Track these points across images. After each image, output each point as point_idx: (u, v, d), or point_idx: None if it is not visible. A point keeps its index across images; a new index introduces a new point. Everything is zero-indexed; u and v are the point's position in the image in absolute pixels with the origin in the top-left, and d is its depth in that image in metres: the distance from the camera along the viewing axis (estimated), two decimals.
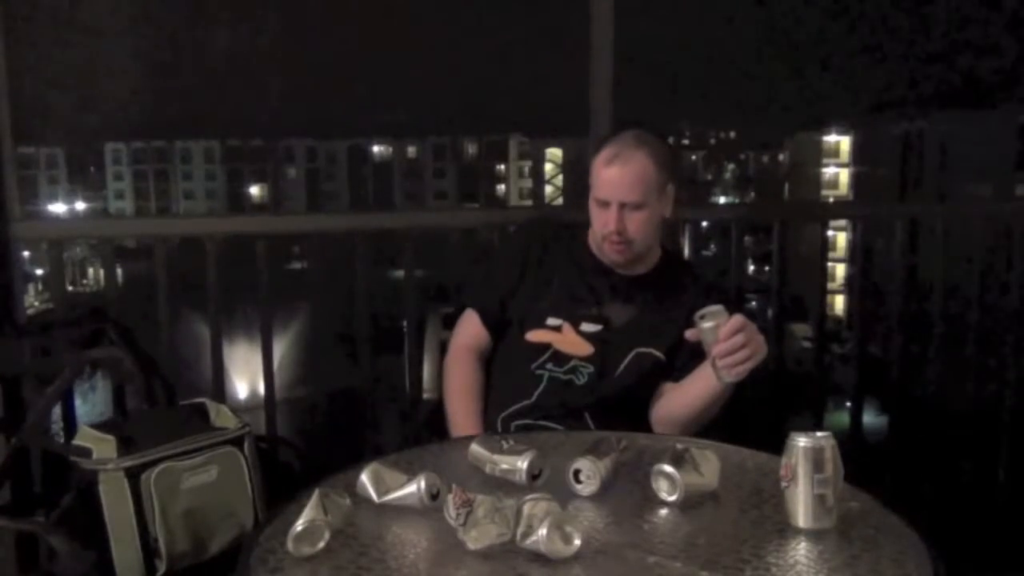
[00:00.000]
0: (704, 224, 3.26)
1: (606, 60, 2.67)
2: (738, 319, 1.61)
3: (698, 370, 1.79)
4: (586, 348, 1.93)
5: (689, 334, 1.66)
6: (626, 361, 1.93)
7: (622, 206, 1.89)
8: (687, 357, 1.87)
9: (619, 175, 1.90)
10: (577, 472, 1.40)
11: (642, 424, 1.92)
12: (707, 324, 1.61)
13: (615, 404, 1.91)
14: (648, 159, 1.91)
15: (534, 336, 1.96)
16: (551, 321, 1.95)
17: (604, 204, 1.91)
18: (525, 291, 2.02)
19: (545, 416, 1.91)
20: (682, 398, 1.87)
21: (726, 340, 1.60)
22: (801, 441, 1.29)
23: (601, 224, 1.92)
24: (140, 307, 2.98)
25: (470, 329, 2.07)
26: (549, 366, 1.93)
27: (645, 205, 1.90)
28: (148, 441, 1.81)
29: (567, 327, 1.94)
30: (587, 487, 1.39)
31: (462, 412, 1.98)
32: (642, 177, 1.90)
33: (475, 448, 1.48)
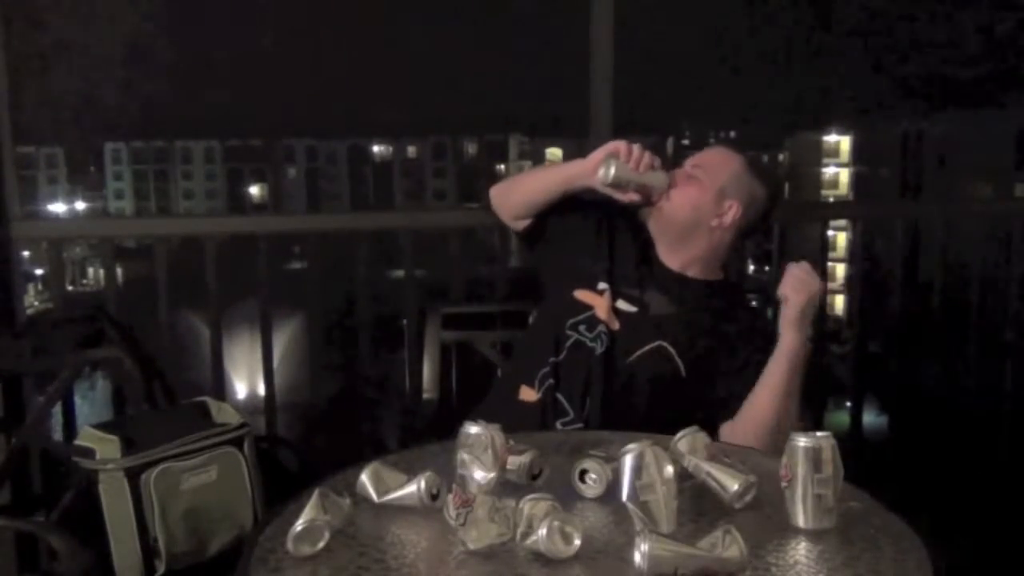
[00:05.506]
0: None
1: (606, 60, 2.67)
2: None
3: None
4: (614, 323, 1.92)
5: None
6: (645, 349, 1.89)
7: (688, 175, 1.94)
8: (736, 387, 1.84)
9: (710, 150, 2.01)
10: (584, 472, 1.39)
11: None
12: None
13: (620, 393, 1.89)
14: (742, 166, 1.97)
15: (582, 295, 1.95)
16: (600, 286, 1.94)
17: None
18: (589, 244, 2.00)
19: (565, 386, 1.89)
20: (761, 394, 1.81)
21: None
22: (801, 441, 1.29)
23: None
24: (140, 307, 2.98)
25: None
26: (582, 328, 1.92)
27: (701, 180, 1.93)
28: (151, 441, 1.80)
29: (608, 296, 1.93)
30: (592, 489, 1.38)
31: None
32: (723, 162, 1.96)
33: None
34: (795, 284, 1.78)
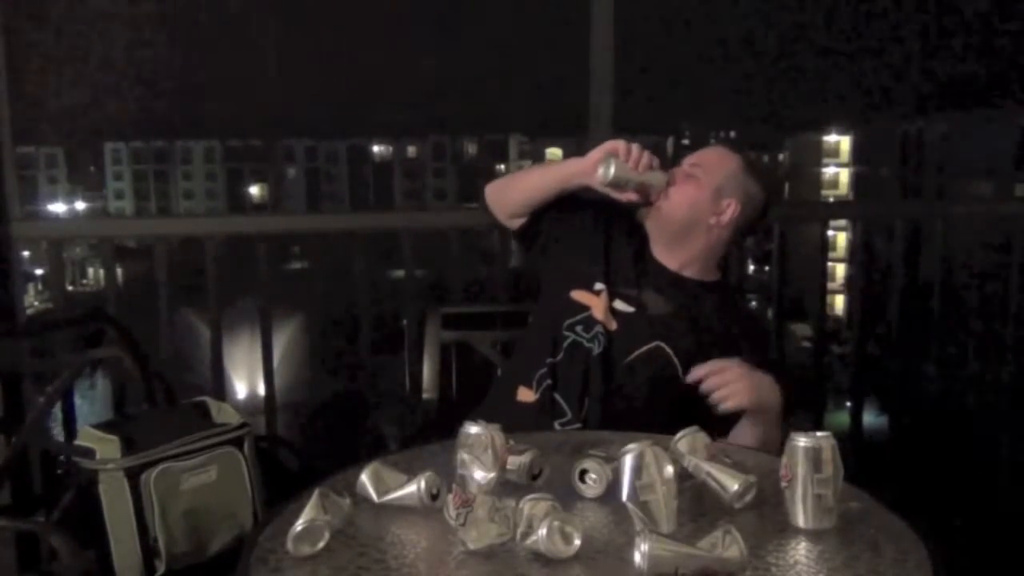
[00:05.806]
0: None
1: (606, 60, 2.67)
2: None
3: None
4: (611, 324, 1.91)
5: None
6: (644, 349, 1.88)
7: (686, 174, 1.92)
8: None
9: (707, 149, 2.01)
10: (584, 472, 1.39)
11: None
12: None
13: (618, 394, 1.88)
14: (739, 165, 1.95)
15: (579, 296, 1.94)
16: (597, 286, 1.94)
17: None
18: (586, 244, 1.99)
19: (563, 386, 1.89)
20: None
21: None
22: (801, 441, 1.28)
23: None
24: (140, 307, 2.98)
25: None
26: (578, 328, 1.91)
27: (699, 178, 1.91)
28: (151, 441, 1.80)
29: (605, 296, 1.93)
30: (592, 489, 1.38)
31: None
32: (721, 161, 1.95)
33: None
34: (729, 394, 1.67)
